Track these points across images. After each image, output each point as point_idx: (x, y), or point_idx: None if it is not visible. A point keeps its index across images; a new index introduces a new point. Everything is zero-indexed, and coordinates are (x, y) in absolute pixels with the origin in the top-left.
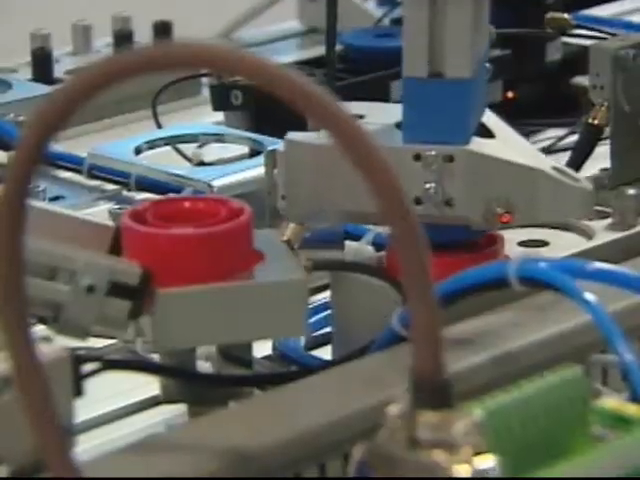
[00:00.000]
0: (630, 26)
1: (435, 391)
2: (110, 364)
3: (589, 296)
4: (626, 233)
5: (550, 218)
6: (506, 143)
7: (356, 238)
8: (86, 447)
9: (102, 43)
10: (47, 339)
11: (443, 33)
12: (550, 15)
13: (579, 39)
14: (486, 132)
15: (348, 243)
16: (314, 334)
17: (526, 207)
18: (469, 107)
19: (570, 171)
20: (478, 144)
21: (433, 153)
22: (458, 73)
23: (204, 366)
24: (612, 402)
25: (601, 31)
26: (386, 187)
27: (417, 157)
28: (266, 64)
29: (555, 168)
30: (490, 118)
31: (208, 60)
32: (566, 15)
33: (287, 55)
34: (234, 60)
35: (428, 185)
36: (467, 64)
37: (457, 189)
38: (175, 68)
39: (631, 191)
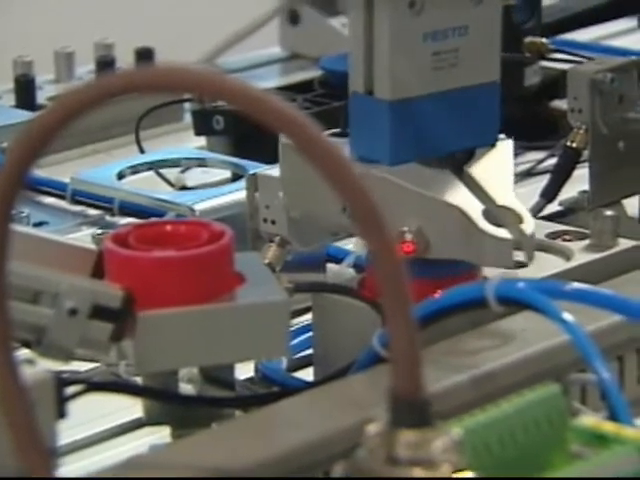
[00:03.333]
0: (607, 50)
1: (414, 410)
2: (93, 386)
3: (567, 316)
4: (604, 254)
5: (465, 258)
6: (464, 176)
7: (337, 261)
8: (70, 469)
9: (85, 70)
10: (31, 362)
11: (372, 53)
12: (529, 40)
13: (557, 63)
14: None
15: (329, 265)
16: (296, 356)
17: (438, 241)
18: (396, 128)
19: (514, 217)
20: (400, 169)
21: None
22: (382, 94)
23: (186, 388)
24: (590, 420)
25: (579, 55)
26: (363, 209)
27: None
28: (246, 88)
29: (487, 211)
30: (497, 150)
31: (189, 84)
32: (544, 40)
33: (269, 81)
34: (215, 84)
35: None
36: (388, 85)
37: None
38: (156, 92)
39: (609, 213)
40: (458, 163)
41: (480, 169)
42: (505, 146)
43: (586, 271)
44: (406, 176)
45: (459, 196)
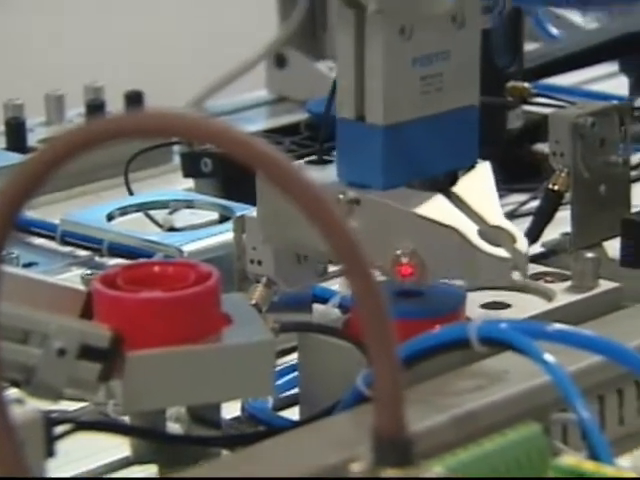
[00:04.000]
0: (588, 95)
1: (397, 449)
2: (81, 426)
3: (548, 357)
4: (585, 295)
5: (462, 277)
6: (454, 197)
7: (323, 301)
8: None
9: (75, 113)
10: (20, 401)
11: (364, 78)
12: (511, 84)
13: (539, 107)
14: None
15: (315, 306)
16: (282, 395)
17: (435, 263)
18: (388, 152)
19: (508, 237)
20: (392, 193)
21: (341, 196)
22: (374, 119)
23: (174, 427)
24: (571, 459)
25: (560, 99)
26: (346, 251)
27: None
28: (230, 131)
29: (482, 231)
30: (476, 175)
31: (177, 129)
32: (526, 84)
33: (256, 123)
34: (201, 128)
35: None
36: (381, 111)
37: (361, 233)
38: (145, 136)
39: (590, 255)
40: (443, 185)
41: (465, 190)
42: (484, 168)
43: (567, 312)
44: (399, 199)
45: (453, 217)
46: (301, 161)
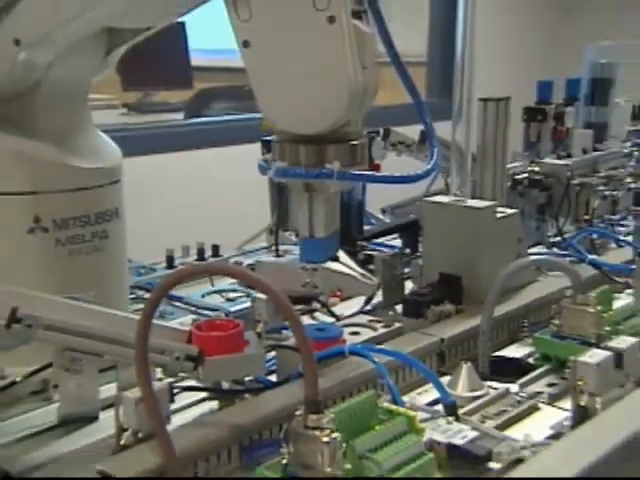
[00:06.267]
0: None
1: (313, 405)
2: (189, 389)
3: (376, 359)
4: (388, 330)
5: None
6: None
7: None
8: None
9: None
10: (160, 379)
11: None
12: (358, 243)
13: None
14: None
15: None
16: (268, 370)
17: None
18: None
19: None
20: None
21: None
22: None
23: (225, 385)
24: (386, 403)
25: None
26: (286, 310)
27: None
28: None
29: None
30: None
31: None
32: (364, 243)
33: None
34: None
35: None
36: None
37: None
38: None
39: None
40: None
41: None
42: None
43: (382, 338)
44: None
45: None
46: None
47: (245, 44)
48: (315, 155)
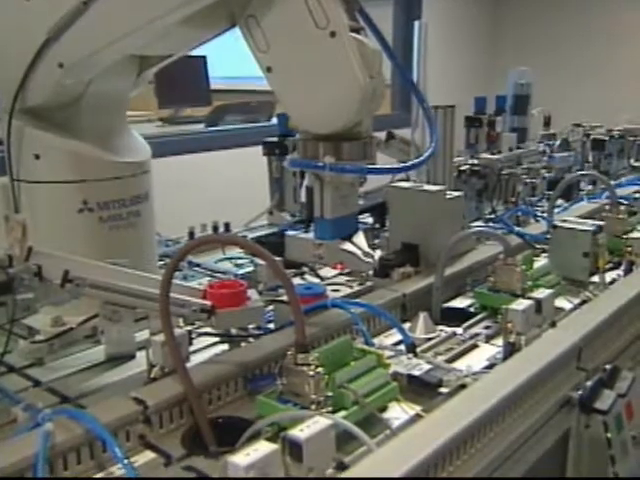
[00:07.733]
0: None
1: (302, 346)
2: (199, 334)
3: (353, 311)
4: (361, 287)
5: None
6: None
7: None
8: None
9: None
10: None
11: None
12: None
13: None
14: None
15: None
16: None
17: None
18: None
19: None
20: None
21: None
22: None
23: (233, 332)
24: (359, 344)
25: None
26: (280, 276)
27: None
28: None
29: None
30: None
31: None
32: None
33: None
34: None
35: None
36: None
37: None
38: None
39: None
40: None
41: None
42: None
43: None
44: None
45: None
46: None
47: (268, 70)
48: (323, 150)
